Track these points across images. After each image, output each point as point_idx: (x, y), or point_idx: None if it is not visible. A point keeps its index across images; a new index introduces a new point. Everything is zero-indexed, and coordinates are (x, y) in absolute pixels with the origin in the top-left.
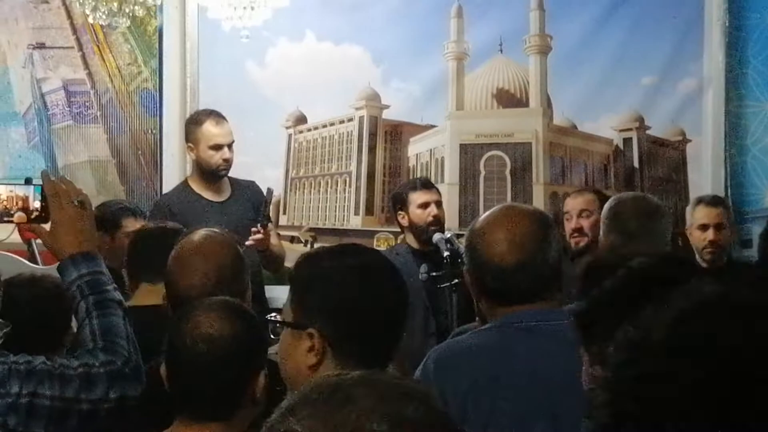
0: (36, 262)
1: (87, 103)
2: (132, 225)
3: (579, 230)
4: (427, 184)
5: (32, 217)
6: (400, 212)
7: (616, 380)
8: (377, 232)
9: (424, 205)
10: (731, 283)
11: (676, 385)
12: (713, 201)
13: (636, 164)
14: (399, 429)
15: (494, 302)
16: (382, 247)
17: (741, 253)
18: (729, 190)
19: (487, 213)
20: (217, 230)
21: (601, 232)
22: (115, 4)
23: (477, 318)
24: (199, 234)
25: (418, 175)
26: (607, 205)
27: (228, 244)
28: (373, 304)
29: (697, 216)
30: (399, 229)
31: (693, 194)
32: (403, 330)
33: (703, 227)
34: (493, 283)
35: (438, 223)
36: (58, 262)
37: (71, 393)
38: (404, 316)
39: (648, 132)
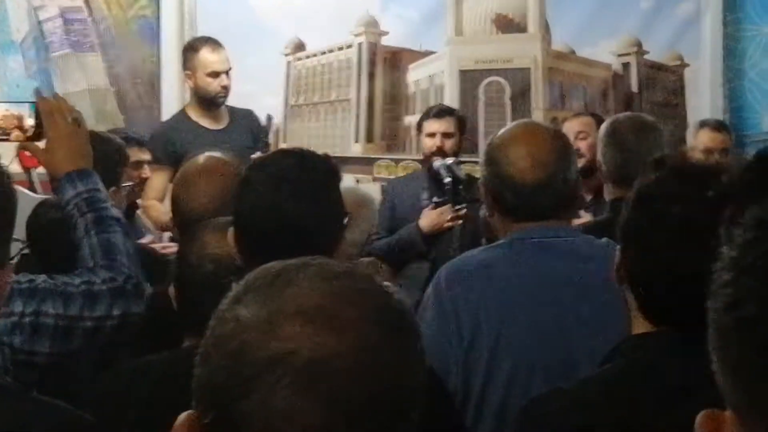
0: (35, 192)
1: (85, 31)
2: (136, 155)
3: (576, 151)
4: (439, 113)
5: (28, 135)
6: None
7: (742, 258)
8: (377, 159)
9: (432, 135)
10: None
11: None
12: (718, 126)
13: (635, 89)
14: (337, 304)
15: (509, 218)
16: (383, 174)
17: None
18: (727, 115)
19: (508, 128)
20: (218, 153)
21: (598, 152)
22: None
23: (484, 238)
24: (203, 156)
25: (417, 102)
26: (603, 126)
27: (232, 166)
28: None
29: (701, 140)
30: (399, 156)
31: (691, 118)
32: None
33: (708, 152)
34: (511, 198)
35: (441, 153)
36: (55, 181)
37: (74, 311)
38: (258, 229)
39: (646, 57)
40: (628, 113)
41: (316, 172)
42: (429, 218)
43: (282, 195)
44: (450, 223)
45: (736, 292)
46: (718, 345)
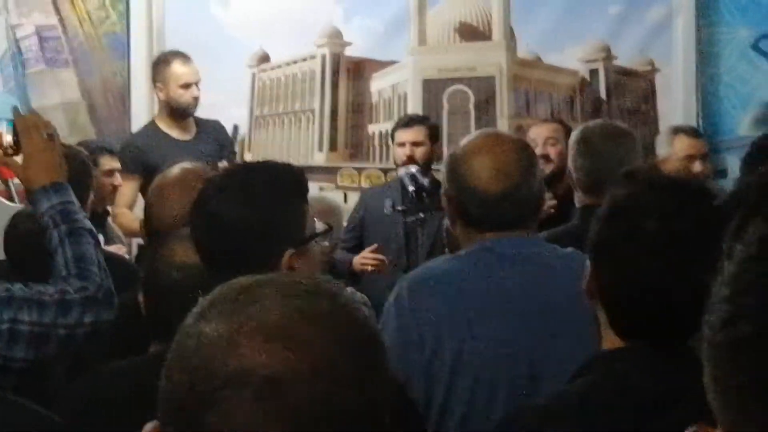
0: (13, 201)
1: (59, 48)
2: (109, 163)
3: (545, 157)
4: (408, 123)
5: (8, 152)
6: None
7: (740, 275)
8: (341, 168)
9: (402, 144)
10: None
11: None
12: (694, 132)
13: (603, 95)
14: (298, 323)
15: (472, 228)
16: (347, 183)
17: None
18: (700, 120)
19: (470, 138)
20: (194, 164)
21: (569, 159)
22: None
23: (447, 249)
24: (179, 167)
25: (381, 111)
26: (574, 132)
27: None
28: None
29: (679, 147)
30: (363, 165)
31: (663, 125)
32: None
33: (690, 159)
34: (475, 209)
35: (412, 162)
36: (30, 193)
37: (48, 318)
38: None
39: (615, 62)
40: (599, 120)
41: (263, 182)
42: (363, 260)
43: (219, 205)
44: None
45: (733, 309)
46: (710, 361)
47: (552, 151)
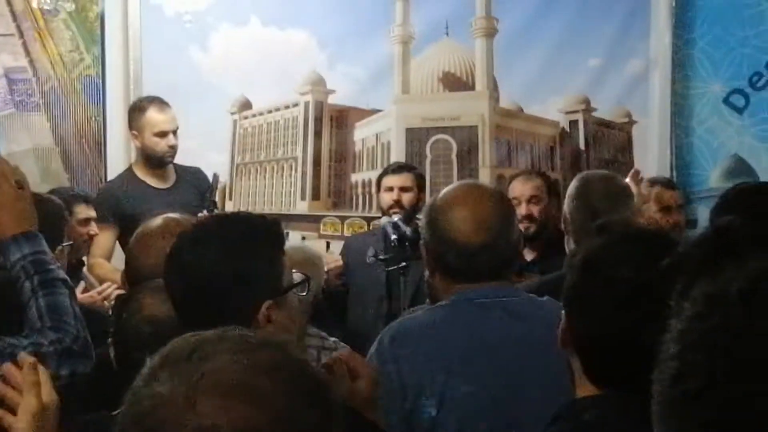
0: None
1: (29, 91)
2: (84, 212)
3: (529, 217)
4: (397, 169)
5: None
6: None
7: (688, 332)
8: (323, 216)
9: (390, 189)
10: None
11: (748, 339)
12: (670, 183)
13: (582, 146)
14: (254, 378)
15: (451, 279)
16: (329, 232)
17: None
18: (674, 171)
19: (449, 189)
20: (177, 215)
21: (565, 204)
22: None
23: (428, 298)
24: (161, 216)
25: (364, 160)
26: (574, 184)
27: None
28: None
29: (656, 198)
30: (346, 214)
31: None
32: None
33: (666, 210)
34: (455, 261)
35: (399, 207)
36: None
37: None
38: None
39: (594, 114)
40: (601, 173)
41: (237, 233)
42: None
43: (193, 256)
44: None
45: (682, 365)
46: (661, 417)
47: (536, 210)
